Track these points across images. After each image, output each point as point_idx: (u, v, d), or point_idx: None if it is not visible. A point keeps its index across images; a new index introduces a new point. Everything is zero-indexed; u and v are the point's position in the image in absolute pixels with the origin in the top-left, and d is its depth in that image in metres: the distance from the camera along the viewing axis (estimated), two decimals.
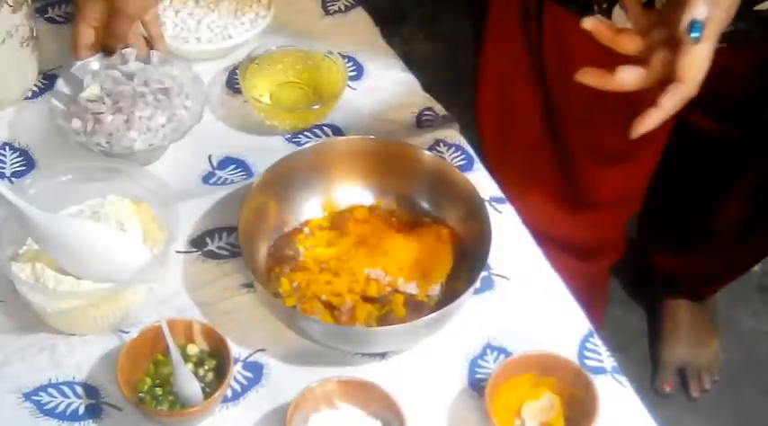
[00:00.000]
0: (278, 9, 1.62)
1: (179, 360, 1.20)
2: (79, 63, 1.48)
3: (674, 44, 1.11)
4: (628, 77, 1.14)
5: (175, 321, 1.24)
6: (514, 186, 1.73)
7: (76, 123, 1.42)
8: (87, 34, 1.48)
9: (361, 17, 1.70)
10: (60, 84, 1.46)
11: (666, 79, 1.12)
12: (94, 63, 1.48)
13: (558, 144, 1.68)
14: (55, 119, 1.43)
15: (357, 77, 1.60)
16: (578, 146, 1.67)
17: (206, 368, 1.23)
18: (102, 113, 1.41)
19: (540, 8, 1.52)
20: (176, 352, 1.20)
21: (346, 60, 1.58)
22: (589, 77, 1.15)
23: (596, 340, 1.32)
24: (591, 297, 1.96)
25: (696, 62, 1.10)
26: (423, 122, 1.55)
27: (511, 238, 1.40)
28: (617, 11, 1.38)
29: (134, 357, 1.21)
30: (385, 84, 1.60)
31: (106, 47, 1.49)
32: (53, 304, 1.24)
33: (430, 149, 1.48)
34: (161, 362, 1.23)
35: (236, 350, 1.26)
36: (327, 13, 1.69)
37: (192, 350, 1.24)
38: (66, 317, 1.25)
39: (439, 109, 1.57)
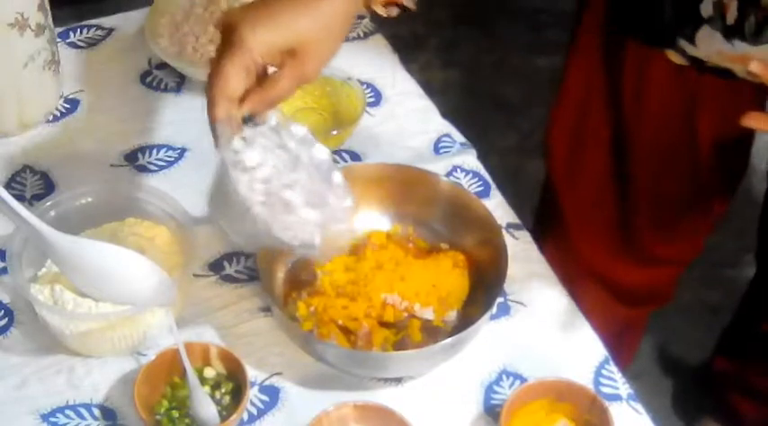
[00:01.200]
0: None
1: (196, 383, 1.21)
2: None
3: None
4: None
5: (192, 344, 1.24)
6: (575, 214, 1.73)
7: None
8: (239, 82, 1.11)
9: (379, 43, 1.71)
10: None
11: None
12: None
13: (623, 184, 1.68)
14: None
15: (375, 103, 1.61)
16: (642, 188, 1.67)
17: (222, 391, 1.24)
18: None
19: (623, 40, 1.53)
20: (193, 375, 1.21)
21: (365, 86, 1.59)
22: (754, 121, 1.11)
23: (612, 367, 1.32)
24: (624, 339, 1.97)
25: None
26: (440, 149, 1.55)
27: (527, 264, 1.40)
28: (700, 36, 1.38)
29: (151, 379, 1.22)
30: (403, 111, 1.60)
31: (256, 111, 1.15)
32: (71, 326, 1.25)
33: (447, 175, 1.49)
34: (178, 385, 1.23)
35: (252, 373, 1.26)
36: (346, 39, 1.70)
37: (209, 373, 1.25)
38: (85, 339, 1.26)
39: (456, 135, 1.58)
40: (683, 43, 1.40)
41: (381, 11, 1.26)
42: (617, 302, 1.85)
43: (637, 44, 1.50)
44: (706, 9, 1.34)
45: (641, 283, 1.84)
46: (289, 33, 1.12)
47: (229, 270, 1.39)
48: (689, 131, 1.56)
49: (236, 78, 1.10)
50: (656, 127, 1.56)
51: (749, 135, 1.63)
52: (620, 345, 1.86)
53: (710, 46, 1.35)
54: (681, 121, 1.55)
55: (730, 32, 1.33)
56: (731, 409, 2.07)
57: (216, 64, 1.11)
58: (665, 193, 1.66)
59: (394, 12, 1.26)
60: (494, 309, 1.29)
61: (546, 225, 1.86)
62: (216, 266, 1.39)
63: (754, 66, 1.12)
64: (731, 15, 1.32)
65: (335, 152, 1.53)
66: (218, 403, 1.22)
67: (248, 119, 1.13)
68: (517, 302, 1.37)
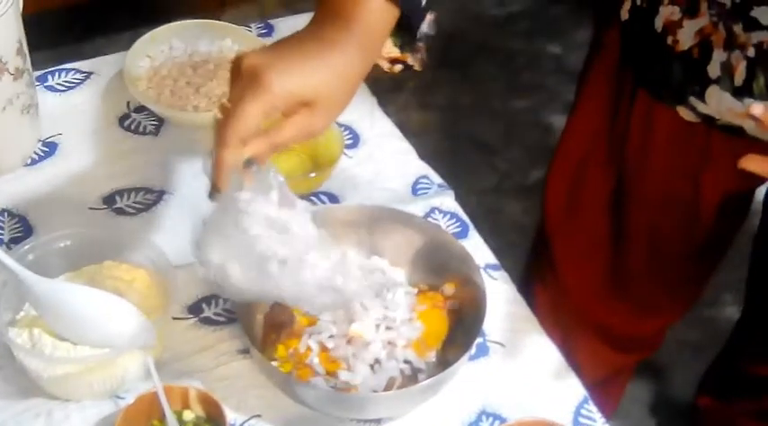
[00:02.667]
0: None
1: None
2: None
3: None
4: None
5: (172, 387, 1.24)
6: (569, 263, 1.73)
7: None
8: (253, 124, 1.10)
9: None
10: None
11: None
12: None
13: (619, 237, 1.68)
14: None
15: (353, 145, 1.61)
16: (639, 243, 1.67)
17: None
18: None
19: (633, 93, 1.52)
20: (172, 418, 1.20)
21: (343, 129, 1.60)
22: (753, 164, 1.09)
23: (591, 406, 1.32)
24: (611, 385, 1.97)
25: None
26: (418, 190, 1.56)
27: (506, 305, 1.41)
28: (709, 93, 1.37)
29: (130, 423, 1.21)
30: (381, 153, 1.61)
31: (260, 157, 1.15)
32: (49, 369, 1.24)
33: (425, 217, 1.50)
34: None
35: (231, 416, 1.26)
36: None
37: (188, 416, 1.24)
38: (63, 383, 1.25)
39: (434, 177, 1.58)
40: (693, 100, 1.39)
41: (386, 67, 1.26)
42: (608, 348, 1.86)
43: (646, 96, 1.49)
44: (713, 70, 1.34)
45: (634, 332, 1.85)
46: (312, 83, 1.11)
47: (208, 312, 1.39)
48: (692, 188, 1.55)
49: (255, 121, 1.09)
50: (659, 181, 1.55)
51: (751, 191, 1.63)
52: (606, 392, 1.88)
53: (721, 104, 1.35)
54: (685, 178, 1.54)
55: (739, 92, 1.33)
56: None
57: (236, 105, 1.09)
58: (662, 248, 1.66)
59: (397, 68, 1.27)
60: (473, 350, 1.29)
61: (538, 271, 1.87)
62: (194, 309, 1.39)
63: (756, 109, 1.09)
64: (739, 76, 1.32)
65: (314, 194, 1.53)
66: None
67: (248, 163, 1.13)
68: (496, 342, 1.37)
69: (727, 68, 1.33)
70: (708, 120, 1.42)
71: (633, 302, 1.76)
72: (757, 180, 1.40)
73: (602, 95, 1.58)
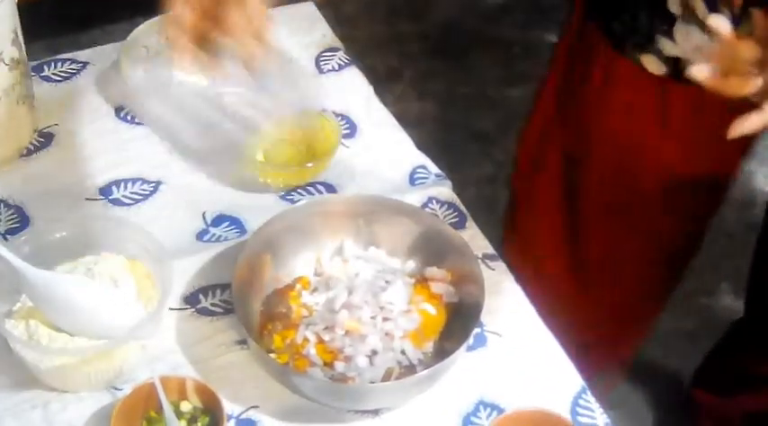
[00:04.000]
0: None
1: (172, 418, 1.20)
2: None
3: None
4: (735, 83, 1.09)
5: (169, 378, 1.24)
6: (532, 218, 1.74)
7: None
8: (190, 17, 1.14)
9: (354, 76, 1.71)
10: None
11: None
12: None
13: (576, 199, 1.69)
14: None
15: (351, 135, 1.61)
16: (594, 218, 1.69)
17: (199, 425, 1.23)
18: None
19: (594, 52, 1.53)
20: (169, 410, 1.20)
21: (340, 118, 1.60)
22: (740, 127, 1.10)
23: (589, 396, 1.32)
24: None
25: None
26: (415, 180, 1.56)
27: (503, 295, 1.41)
28: (677, 29, 1.38)
29: (127, 414, 1.21)
30: (378, 143, 1.61)
31: (204, 43, 1.15)
32: (46, 361, 1.24)
33: (423, 207, 1.49)
34: (154, 419, 1.22)
35: (229, 406, 1.26)
36: (321, 71, 1.71)
37: (186, 407, 1.24)
38: (60, 374, 1.25)
39: (432, 167, 1.58)
40: (661, 42, 1.39)
41: None
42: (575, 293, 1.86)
43: (609, 51, 1.49)
44: (674, 5, 1.35)
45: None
46: None
47: (205, 303, 1.39)
48: (648, 159, 1.55)
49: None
50: (615, 146, 1.56)
51: (725, 176, 1.63)
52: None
53: (689, 40, 1.35)
54: (642, 148, 1.55)
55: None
56: None
57: None
58: (618, 232, 1.67)
59: None
60: (470, 340, 1.29)
61: (510, 220, 1.89)
62: (192, 299, 1.39)
63: (713, 20, 1.10)
64: (701, 12, 1.33)
65: (311, 184, 1.53)
66: None
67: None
68: (493, 333, 1.37)
69: (687, 6, 1.34)
70: (674, 70, 1.42)
71: (591, 258, 1.76)
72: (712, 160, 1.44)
73: (568, 55, 1.60)
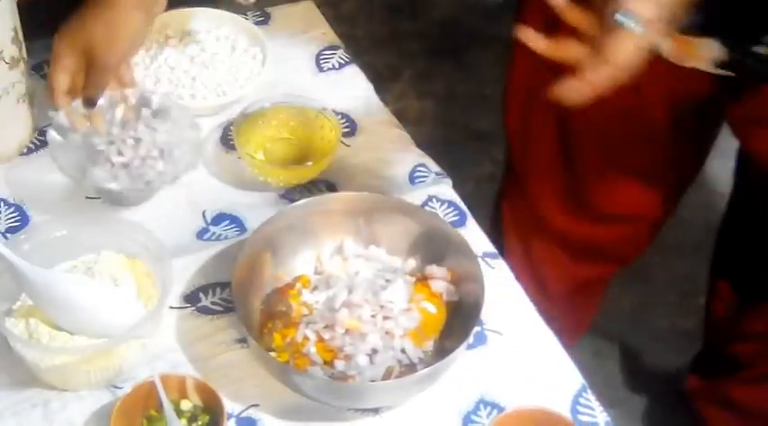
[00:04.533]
0: (272, 66, 1.64)
1: (172, 416, 1.20)
2: (61, 112, 1.47)
3: (605, 25, 1.15)
4: (564, 47, 1.18)
5: (169, 376, 1.24)
6: (530, 174, 1.74)
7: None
8: (64, 81, 1.46)
9: (354, 74, 1.71)
10: (52, 135, 1.47)
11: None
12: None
13: (571, 152, 1.71)
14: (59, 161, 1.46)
15: (350, 134, 1.61)
16: (590, 154, 1.70)
17: (199, 423, 1.23)
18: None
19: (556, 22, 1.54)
20: (169, 408, 1.20)
21: (340, 117, 1.60)
22: (532, 41, 1.20)
23: (589, 395, 1.32)
24: (580, 302, 1.99)
25: (623, 47, 1.14)
26: (415, 178, 1.56)
27: (503, 293, 1.41)
28: None
29: (127, 413, 1.21)
30: (378, 141, 1.61)
31: (86, 96, 1.47)
32: (46, 359, 1.24)
33: (423, 205, 1.49)
34: (154, 418, 1.22)
35: (229, 405, 1.26)
36: (321, 70, 1.71)
37: (186, 405, 1.24)
38: (60, 373, 1.25)
39: (432, 165, 1.58)
40: None
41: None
42: (572, 260, 1.88)
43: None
44: None
45: (595, 240, 1.85)
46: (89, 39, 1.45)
47: (205, 301, 1.38)
48: (637, 100, 1.54)
49: (62, 78, 1.46)
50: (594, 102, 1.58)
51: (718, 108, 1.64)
52: (575, 307, 1.93)
53: None
54: (628, 90, 1.55)
55: None
56: None
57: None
58: (616, 160, 1.68)
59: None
60: (470, 338, 1.29)
61: (506, 186, 1.92)
62: (192, 298, 1.39)
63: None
64: None
65: (311, 182, 1.53)
66: None
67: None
68: (494, 331, 1.37)
69: None
70: None
71: (589, 208, 1.78)
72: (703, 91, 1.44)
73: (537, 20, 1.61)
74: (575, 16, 1.18)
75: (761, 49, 1.37)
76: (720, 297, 1.96)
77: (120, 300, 1.27)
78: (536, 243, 1.82)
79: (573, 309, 1.89)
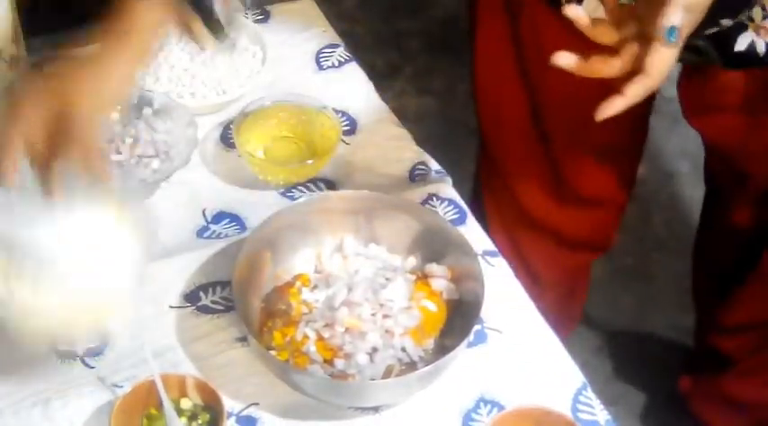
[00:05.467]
0: (272, 64, 1.64)
1: (172, 415, 1.20)
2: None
3: (645, 40, 1.14)
4: (599, 66, 1.17)
5: (169, 375, 1.24)
6: (507, 172, 1.75)
7: None
8: (19, 144, 1.15)
9: (354, 72, 1.71)
10: None
11: (634, 71, 1.15)
12: None
13: (544, 138, 1.72)
14: None
15: (350, 132, 1.61)
16: (562, 140, 1.72)
17: (199, 422, 1.23)
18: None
19: (520, 5, 1.57)
20: (170, 407, 1.20)
21: (340, 115, 1.60)
22: (563, 60, 1.17)
23: (590, 393, 1.32)
24: (569, 289, 2.00)
25: (664, 60, 1.14)
26: (415, 176, 1.56)
27: (504, 292, 1.41)
28: (587, 1, 1.40)
29: (127, 411, 1.21)
30: (378, 139, 1.61)
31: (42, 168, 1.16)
32: (30, 317, 1.16)
33: (423, 203, 1.49)
34: (154, 417, 1.23)
35: (229, 404, 1.26)
36: (321, 68, 1.71)
37: (186, 404, 1.24)
38: (46, 328, 1.18)
39: (432, 163, 1.58)
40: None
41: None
42: (555, 246, 1.89)
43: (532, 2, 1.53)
44: None
45: (577, 226, 1.87)
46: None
47: (205, 300, 1.38)
48: (597, 88, 1.56)
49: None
50: (562, 84, 1.58)
51: None
52: (565, 296, 1.95)
53: (594, 11, 1.35)
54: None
55: None
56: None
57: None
58: (584, 137, 1.69)
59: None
60: (471, 337, 1.29)
61: (486, 179, 1.92)
62: (192, 297, 1.39)
63: (570, 11, 1.16)
64: None
65: (311, 181, 1.53)
66: None
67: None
68: (494, 329, 1.37)
69: None
70: None
71: (568, 193, 1.79)
72: None
73: (498, 7, 1.64)
74: (600, 32, 1.17)
75: (714, 31, 1.39)
76: (703, 291, 2.00)
77: (105, 254, 1.19)
78: (521, 233, 1.84)
79: (564, 298, 1.90)
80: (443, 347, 1.30)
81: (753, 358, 1.91)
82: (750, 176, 1.67)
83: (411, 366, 1.29)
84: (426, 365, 1.26)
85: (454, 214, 1.50)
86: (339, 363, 1.28)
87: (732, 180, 1.73)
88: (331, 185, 1.53)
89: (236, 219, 1.48)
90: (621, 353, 2.38)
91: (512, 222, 1.84)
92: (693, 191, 1.90)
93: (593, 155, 1.73)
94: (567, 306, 1.96)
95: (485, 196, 1.90)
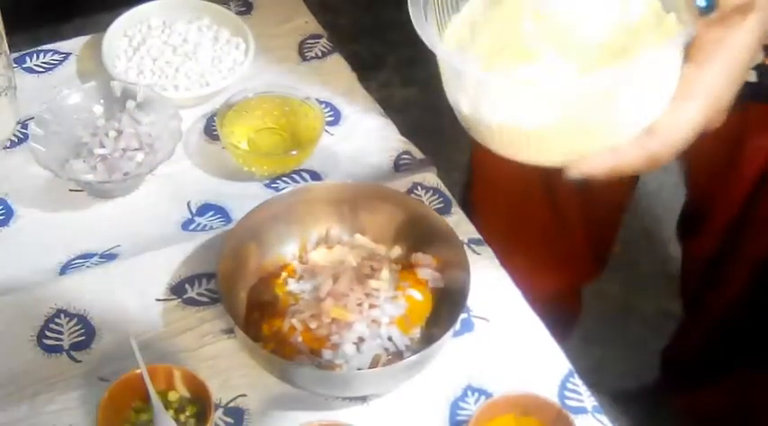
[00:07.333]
0: (255, 56, 1.64)
1: (159, 407, 1.20)
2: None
3: None
4: None
5: (156, 367, 1.24)
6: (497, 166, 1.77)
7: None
8: None
9: (338, 63, 1.71)
10: (33, 129, 1.47)
11: None
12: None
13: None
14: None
15: (334, 123, 1.61)
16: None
17: (187, 414, 1.23)
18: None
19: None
20: (157, 399, 1.20)
21: (324, 106, 1.59)
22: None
23: (576, 380, 1.32)
24: (561, 305, 2.00)
25: (677, 121, 0.91)
26: (400, 166, 1.56)
27: (490, 280, 1.41)
28: None
29: (114, 404, 1.21)
30: (362, 129, 1.61)
31: None
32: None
33: (408, 193, 1.49)
34: (142, 409, 1.22)
35: (216, 395, 1.26)
36: (304, 59, 1.71)
37: (173, 396, 1.24)
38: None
39: (416, 153, 1.58)
40: None
41: None
42: (548, 270, 1.88)
43: None
44: None
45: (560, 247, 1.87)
46: None
47: (191, 293, 1.38)
48: None
49: None
50: None
51: None
52: (560, 311, 1.91)
53: None
54: None
55: None
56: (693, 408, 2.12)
57: None
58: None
59: None
60: (457, 325, 1.29)
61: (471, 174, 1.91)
62: (177, 289, 1.38)
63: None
64: None
65: (295, 172, 1.53)
66: None
67: None
68: (480, 318, 1.37)
69: None
70: None
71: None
72: None
73: None
74: None
75: None
76: (691, 275, 1.99)
77: None
78: (514, 230, 1.83)
79: (560, 312, 1.89)
80: (430, 336, 1.31)
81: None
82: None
83: (398, 355, 1.29)
84: (413, 354, 1.26)
85: (439, 203, 1.50)
86: (326, 353, 1.28)
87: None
88: (315, 176, 1.53)
89: (220, 211, 1.48)
90: (608, 340, 2.38)
91: (502, 217, 1.84)
92: (679, 178, 1.90)
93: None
94: (568, 305, 1.94)
95: (475, 186, 1.90)
